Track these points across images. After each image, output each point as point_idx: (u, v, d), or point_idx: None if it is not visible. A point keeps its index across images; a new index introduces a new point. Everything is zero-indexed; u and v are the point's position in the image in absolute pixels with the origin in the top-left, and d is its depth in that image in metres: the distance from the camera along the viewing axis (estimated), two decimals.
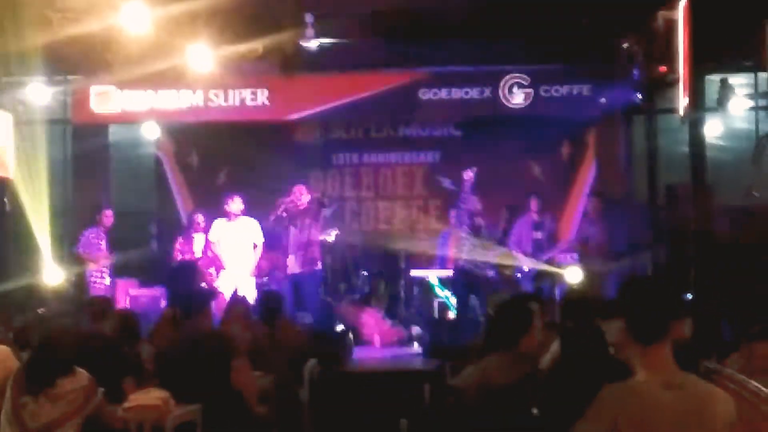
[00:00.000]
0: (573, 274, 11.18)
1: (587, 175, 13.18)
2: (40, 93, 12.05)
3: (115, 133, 13.45)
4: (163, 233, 13.54)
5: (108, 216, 12.01)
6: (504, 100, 11.91)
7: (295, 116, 12.45)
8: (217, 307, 8.15)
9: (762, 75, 10.58)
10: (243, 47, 10.98)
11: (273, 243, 11.90)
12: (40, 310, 9.90)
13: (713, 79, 10.48)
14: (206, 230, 11.75)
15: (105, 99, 12.30)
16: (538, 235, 11.59)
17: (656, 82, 10.80)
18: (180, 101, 12.30)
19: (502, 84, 11.89)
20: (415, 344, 11.37)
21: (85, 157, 12.93)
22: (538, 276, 11.42)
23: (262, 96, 12.24)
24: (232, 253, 11.49)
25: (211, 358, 5.97)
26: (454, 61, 11.95)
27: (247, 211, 11.65)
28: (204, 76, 11.25)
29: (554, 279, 11.41)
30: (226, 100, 12.25)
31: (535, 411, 5.02)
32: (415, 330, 11.68)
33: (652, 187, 11.93)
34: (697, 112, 8.91)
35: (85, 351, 5.60)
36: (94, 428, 5.32)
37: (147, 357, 6.55)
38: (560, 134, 13.13)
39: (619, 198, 12.19)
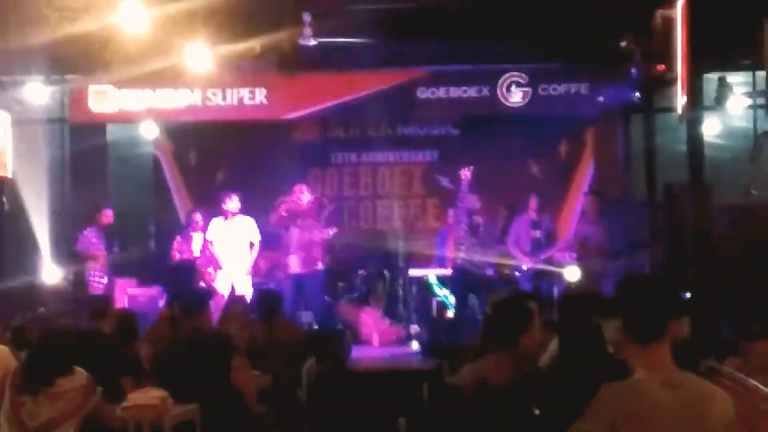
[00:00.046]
0: (571, 273, 11.19)
1: (585, 173, 13.18)
2: (38, 92, 12.05)
3: (113, 132, 13.43)
4: (161, 232, 13.54)
5: (107, 215, 12.01)
6: (502, 99, 11.91)
7: (293, 115, 12.45)
8: (214, 307, 8.16)
9: (760, 73, 10.57)
10: (241, 46, 10.98)
11: (272, 242, 11.91)
12: (39, 310, 9.92)
13: (711, 78, 10.47)
14: (205, 229, 11.76)
15: (103, 98, 12.30)
16: (537, 234, 11.58)
17: (654, 81, 10.79)
18: (178, 100, 12.29)
19: (500, 83, 11.89)
20: (414, 343, 11.37)
21: (83, 156, 12.91)
22: (536, 275, 11.41)
23: (260, 95, 12.23)
24: (229, 252, 11.49)
25: (210, 357, 5.97)
26: (452, 60, 11.94)
27: (246, 210, 11.66)
28: (202, 75, 11.25)
29: (552, 278, 11.41)
30: (224, 99, 12.25)
31: (536, 411, 5.02)
32: (414, 329, 11.69)
33: (650, 185, 11.93)
34: (695, 111, 8.90)
35: (84, 350, 5.59)
36: (93, 427, 5.31)
37: (145, 356, 6.54)
38: (558, 133, 13.14)
39: (617, 197, 12.19)
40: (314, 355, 8.47)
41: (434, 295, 11.88)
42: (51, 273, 11.95)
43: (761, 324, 5.43)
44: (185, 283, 8.30)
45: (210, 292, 8.55)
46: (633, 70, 11.03)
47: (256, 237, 11.58)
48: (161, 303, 11.43)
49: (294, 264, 11.28)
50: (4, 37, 10.46)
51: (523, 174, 13.20)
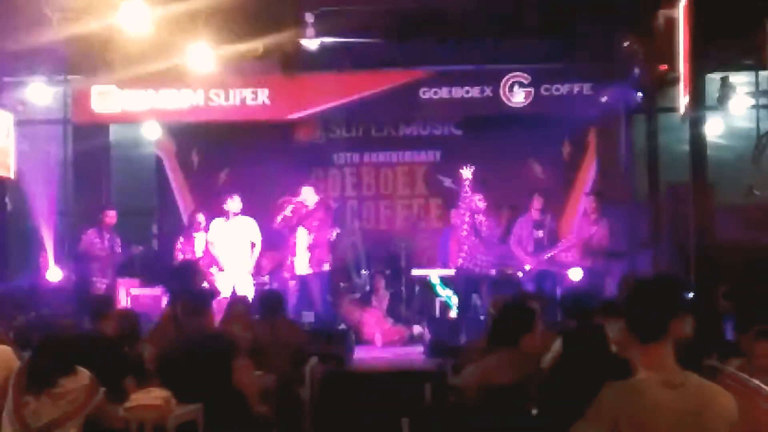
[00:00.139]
0: (574, 274, 11.18)
1: (588, 174, 13.18)
2: (40, 93, 12.06)
3: (115, 132, 13.45)
4: (164, 233, 13.56)
5: (110, 216, 12.02)
6: (505, 99, 11.90)
7: (295, 116, 12.45)
8: (216, 307, 8.15)
9: (763, 73, 10.55)
10: (243, 47, 10.97)
11: (275, 242, 11.91)
12: (42, 310, 9.92)
13: (714, 78, 10.47)
14: (207, 230, 11.76)
15: (105, 99, 12.30)
16: (539, 234, 11.58)
17: (657, 81, 10.80)
18: (180, 101, 12.29)
19: (503, 83, 11.88)
20: (417, 344, 11.36)
21: (86, 156, 12.92)
22: (539, 275, 11.41)
23: (263, 95, 12.23)
24: (230, 253, 11.50)
25: (212, 357, 5.97)
26: (455, 60, 11.94)
27: (249, 211, 11.66)
28: (205, 75, 11.24)
29: (555, 278, 11.41)
30: (226, 99, 12.25)
31: (534, 412, 5.02)
32: (417, 329, 11.68)
33: (653, 185, 11.93)
34: (698, 111, 8.89)
35: (86, 351, 5.60)
36: (96, 428, 5.32)
37: (148, 357, 6.54)
38: (561, 133, 13.13)
39: (620, 197, 12.18)
40: (317, 355, 8.47)
41: (437, 295, 11.89)
42: (54, 273, 11.97)
43: (764, 324, 5.42)
44: (188, 284, 8.29)
45: (213, 293, 8.54)
46: (635, 71, 11.03)
47: (258, 237, 11.59)
48: (164, 303, 11.44)
49: (300, 265, 11.26)
50: (7, 37, 10.47)
51: (525, 174, 13.20)
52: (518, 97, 11.87)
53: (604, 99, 11.76)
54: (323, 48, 11.19)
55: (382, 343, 11.63)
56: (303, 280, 11.25)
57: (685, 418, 3.22)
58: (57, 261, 12.07)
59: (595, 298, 7.39)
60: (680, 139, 10.91)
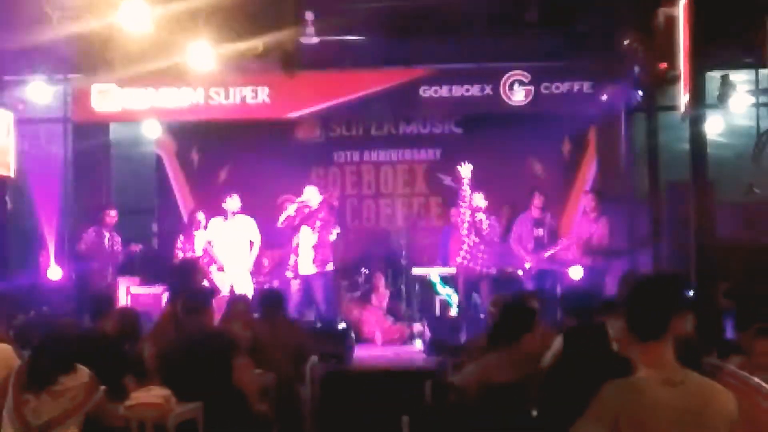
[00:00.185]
0: (574, 272, 11.18)
1: (588, 172, 13.18)
2: (40, 91, 12.05)
3: (115, 131, 13.45)
4: (164, 231, 13.56)
5: (111, 215, 12.03)
6: (505, 98, 11.91)
7: (295, 114, 12.45)
8: (215, 306, 8.15)
9: (763, 71, 10.56)
10: (243, 45, 10.96)
11: (275, 241, 11.90)
12: (42, 309, 9.93)
13: (714, 76, 10.47)
14: (207, 228, 11.77)
15: (106, 97, 12.31)
16: (539, 232, 11.59)
17: (657, 79, 10.78)
18: (181, 99, 12.30)
19: (502, 81, 11.89)
20: (417, 342, 11.37)
21: (86, 155, 12.93)
22: (539, 274, 11.41)
23: (263, 94, 12.23)
24: (229, 252, 11.49)
25: (212, 356, 5.97)
26: (455, 59, 11.94)
27: (249, 209, 11.66)
28: (205, 74, 11.23)
29: (555, 277, 11.41)
30: (226, 98, 12.25)
31: (534, 413, 5.02)
32: (417, 328, 11.68)
33: (653, 184, 11.93)
34: (698, 109, 8.87)
35: (87, 349, 5.60)
36: (96, 426, 5.32)
37: (148, 355, 6.54)
38: (561, 132, 13.13)
39: (620, 195, 12.18)
40: (317, 353, 8.47)
41: (437, 293, 11.88)
42: (54, 272, 11.97)
43: (764, 322, 5.43)
44: (188, 282, 8.28)
45: (213, 291, 8.54)
46: (635, 69, 11.02)
47: (257, 236, 11.58)
48: (164, 302, 11.44)
49: (305, 265, 11.20)
50: (7, 36, 10.46)
51: (525, 172, 13.20)
52: (518, 96, 11.87)
53: (604, 97, 11.77)
54: (323, 46, 11.19)
55: (382, 341, 11.63)
56: (307, 280, 11.22)
57: (686, 417, 3.22)
58: (57, 260, 12.08)
59: (595, 297, 7.39)
60: (680, 137, 10.90)
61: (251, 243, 11.60)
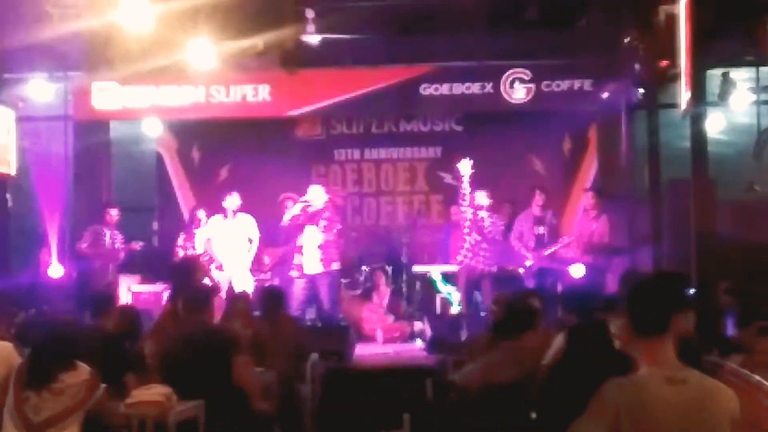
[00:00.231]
0: (575, 270, 11.17)
1: (589, 170, 13.18)
2: (41, 89, 12.06)
3: (116, 129, 13.45)
4: (164, 230, 13.57)
5: (113, 214, 12.02)
6: (505, 95, 11.91)
7: (296, 112, 12.46)
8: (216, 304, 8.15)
9: (764, 69, 10.56)
10: (244, 43, 10.97)
11: (276, 239, 11.89)
12: (43, 307, 9.93)
13: (715, 74, 10.47)
14: None
15: (106, 95, 12.31)
16: (540, 230, 11.57)
17: (658, 77, 10.78)
18: (181, 97, 12.30)
19: (503, 79, 11.89)
20: (418, 340, 11.36)
21: (87, 153, 12.93)
22: (540, 272, 11.40)
23: (264, 92, 12.23)
24: (228, 250, 11.48)
25: (213, 354, 5.97)
26: (456, 56, 11.94)
27: (250, 207, 11.64)
28: (205, 72, 11.24)
29: (556, 275, 11.40)
30: (227, 96, 12.26)
31: (533, 415, 5.02)
32: (417, 326, 11.67)
33: (654, 182, 11.92)
34: (699, 107, 8.90)
35: (87, 347, 5.60)
36: (97, 424, 5.32)
37: (149, 353, 6.55)
38: (562, 129, 13.14)
39: (621, 193, 12.17)
40: (318, 351, 8.47)
41: (438, 291, 11.87)
42: (55, 270, 11.98)
43: (765, 320, 5.43)
44: (189, 280, 8.28)
45: (214, 289, 8.53)
46: (636, 67, 11.01)
47: (255, 234, 11.56)
48: (165, 300, 11.44)
49: (310, 264, 11.11)
50: (8, 34, 10.47)
51: (526, 170, 13.21)
52: (519, 93, 11.87)
53: (605, 95, 11.77)
54: (324, 44, 11.19)
55: (382, 339, 11.62)
56: (312, 279, 11.14)
57: (687, 415, 3.22)
58: (59, 257, 12.08)
59: (596, 295, 7.39)
60: (681, 135, 10.92)
61: (250, 240, 11.58)
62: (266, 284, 11.26)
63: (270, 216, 11.80)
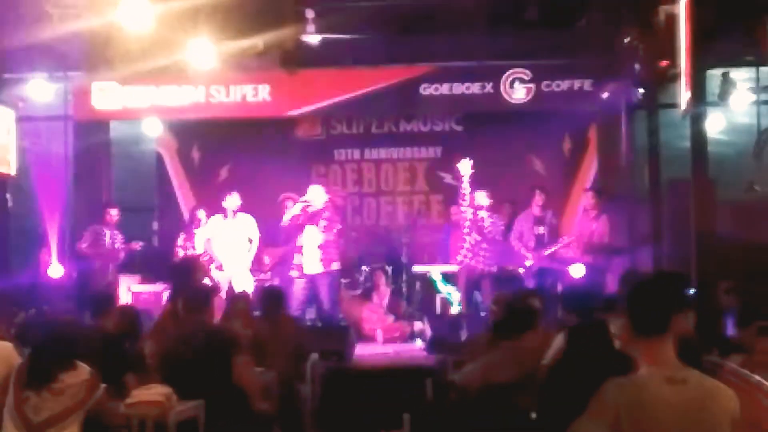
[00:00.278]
0: (575, 270, 11.17)
1: (589, 170, 13.18)
2: (41, 89, 12.06)
3: (116, 129, 13.45)
4: (164, 230, 13.57)
5: (113, 214, 12.02)
6: (505, 95, 11.91)
7: (296, 112, 12.47)
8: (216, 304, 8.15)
9: (764, 69, 10.56)
10: (244, 43, 10.97)
11: (276, 239, 11.88)
12: (43, 307, 9.93)
13: (715, 74, 10.47)
14: None
15: (106, 95, 12.32)
16: (540, 230, 11.57)
17: (658, 77, 10.79)
18: (181, 97, 12.30)
19: (503, 79, 11.89)
20: (418, 340, 11.36)
21: (87, 153, 12.93)
22: (540, 272, 11.40)
23: (264, 92, 12.24)
24: (228, 250, 11.48)
25: (213, 354, 5.97)
26: (456, 56, 11.94)
27: (250, 207, 11.64)
28: (205, 72, 11.24)
29: (556, 275, 11.40)
30: (227, 96, 12.26)
31: (533, 415, 5.02)
32: (417, 326, 11.67)
33: (654, 182, 11.92)
34: (699, 107, 8.90)
35: (87, 347, 5.60)
36: (97, 424, 5.32)
37: (149, 353, 6.55)
38: (562, 129, 13.14)
39: (621, 193, 12.18)
40: (318, 351, 8.47)
41: (438, 291, 11.87)
42: (54, 270, 11.97)
43: (765, 320, 5.42)
44: (189, 280, 8.28)
45: (214, 289, 8.53)
46: (636, 66, 11.02)
47: (255, 234, 11.55)
48: (165, 300, 11.43)
49: (311, 264, 11.10)
50: (8, 34, 10.47)
51: (526, 170, 13.21)
52: (519, 93, 11.88)
53: (604, 95, 11.77)
54: (324, 44, 11.19)
55: (382, 339, 11.62)
56: (312, 279, 11.14)
57: (687, 415, 3.22)
58: (59, 257, 12.08)
59: (596, 295, 7.39)
60: (681, 135, 10.93)
61: (250, 240, 11.58)
62: (266, 284, 11.26)
63: (270, 216, 11.80)
